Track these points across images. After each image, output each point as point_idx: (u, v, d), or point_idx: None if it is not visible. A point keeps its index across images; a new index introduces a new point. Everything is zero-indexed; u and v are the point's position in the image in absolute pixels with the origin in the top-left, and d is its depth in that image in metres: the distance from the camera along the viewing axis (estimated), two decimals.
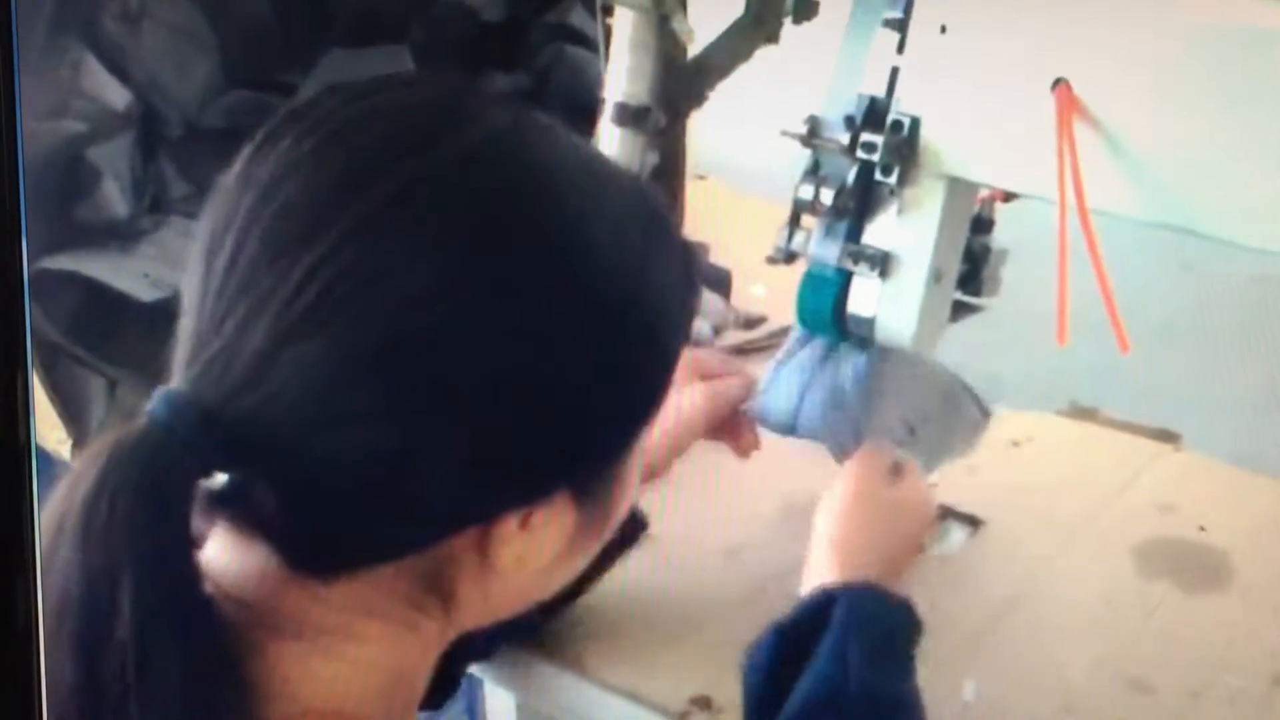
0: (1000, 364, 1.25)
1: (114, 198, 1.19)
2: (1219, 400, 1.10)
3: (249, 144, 0.57)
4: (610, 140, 0.91)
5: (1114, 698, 0.86)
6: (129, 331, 1.17)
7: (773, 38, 0.92)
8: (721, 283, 1.28)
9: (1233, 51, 0.71)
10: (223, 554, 0.57)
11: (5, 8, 0.46)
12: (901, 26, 0.83)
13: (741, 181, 1.38)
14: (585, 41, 1.47)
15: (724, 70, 0.92)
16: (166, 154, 1.29)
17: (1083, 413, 1.20)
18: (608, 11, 0.91)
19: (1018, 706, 0.85)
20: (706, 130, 1.19)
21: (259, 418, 0.52)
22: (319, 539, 0.55)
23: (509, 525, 0.56)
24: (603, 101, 0.93)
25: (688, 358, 0.89)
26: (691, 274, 0.61)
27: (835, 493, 0.83)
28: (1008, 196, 0.92)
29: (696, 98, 0.93)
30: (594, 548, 0.63)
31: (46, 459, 1.21)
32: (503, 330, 0.53)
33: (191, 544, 0.53)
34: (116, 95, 1.21)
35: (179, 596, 0.52)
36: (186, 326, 0.54)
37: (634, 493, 0.64)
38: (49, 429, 1.15)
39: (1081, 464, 1.13)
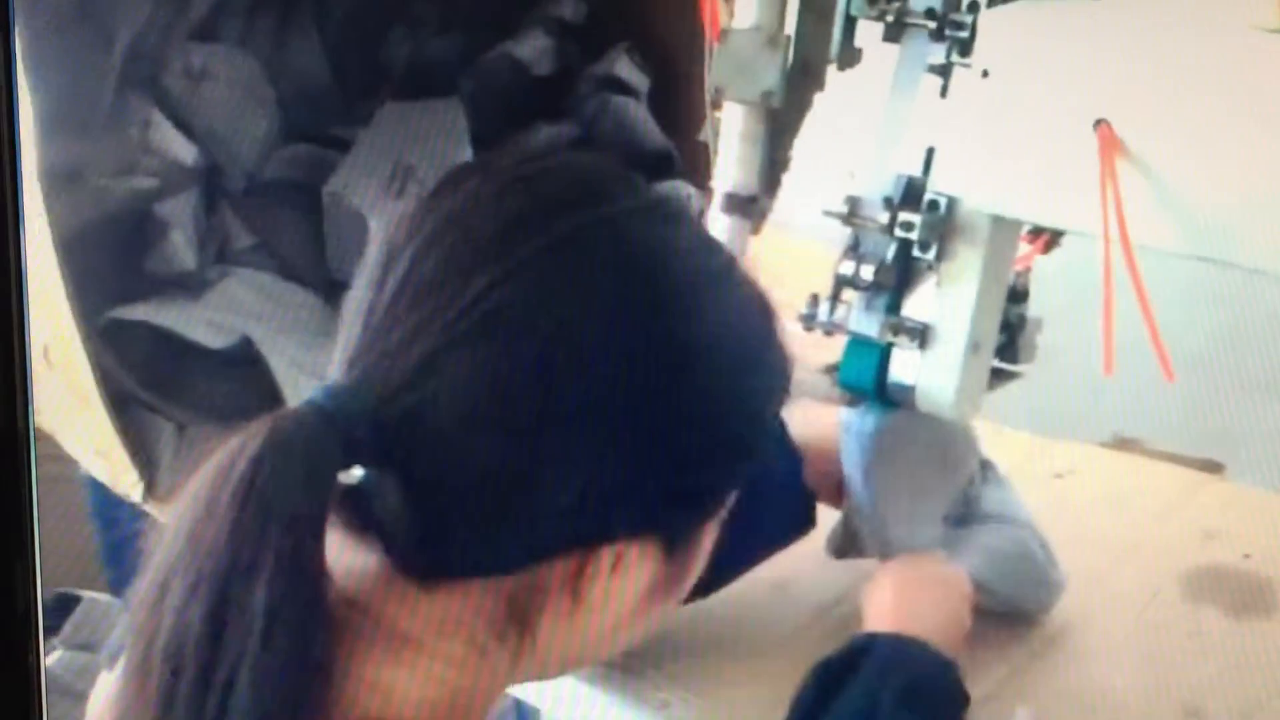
0: (1043, 397, 1.28)
1: (181, 249, 1.24)
2: (1261, 430, 1.12)
3: (438, 180, 0.64)
4: (718, 227, 0.97)
5: None
6: (198, 377, 1.21)
7: (821, 84, 0.96)
8: None
9: (1266, 86, 0.74)
10: (333, 550, 0.60)
11: (5, 10, 0.48)
12: (945, 72, 0.87)
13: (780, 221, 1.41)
14: (630, 91, 1.51)
15: (797, 127, 0.98)
16: (229, 206, 1.33)
17: (1125, 444, 1.22)
18: (715, 105, 0.97)
19: None
20: None
21: (411, 419, 0.57)
22: (434, 542, 0.60)
23: (604, 561, 0.61)
24: (711, 190, 0.99)
25: None
26: (788, 376, 0.67)
27: (882, 574, 0.88)
28: (1050, 245, 0.95)
29: (785, 166, 0.98)
30: (664, 608, 0.67)
31: (121, 503, 1.25)
32: (636, 372, 0.59)
33: (324, 529, 0.57)
34: (184, 151, 1.25)
35: (309, 577, 0.56)
36: (352, 330, 0.60)
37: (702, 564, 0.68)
38: (122, 473, 1.19)
39: (1125, 494, 1.15)
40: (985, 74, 0.82)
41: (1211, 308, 0.97)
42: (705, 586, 0.87)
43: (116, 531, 1.78)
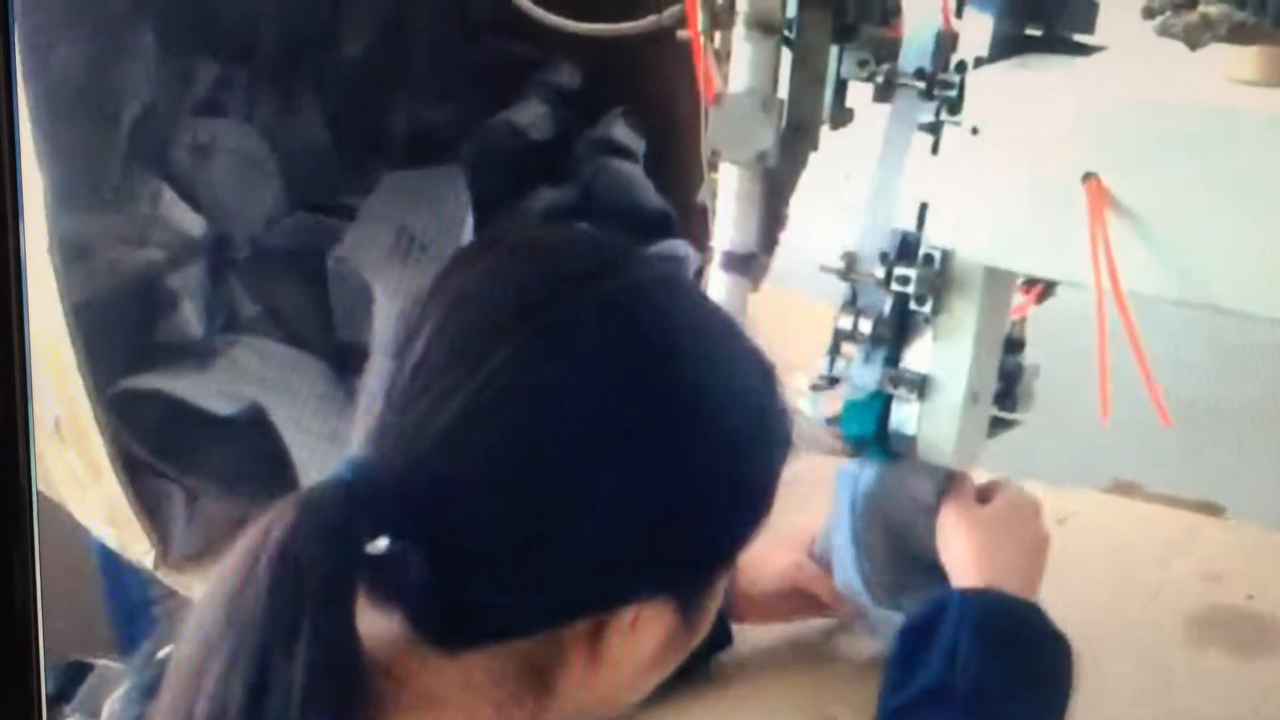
0: (1043, 445, 1.30)
1: (191, 319, 1.25)
2: (1257, 470, 1.13)
3: (443, 264, 0.65)
4: (717, 286, 0.99)
5: None
6: (209, 444, 1.22)
7: (814, 144, 0.98)
8: None
9: (1243, 137, 0.76)
10: (361, 617, 0.61)
11: (4, 12, 0.48)
12: (935, 129, 0.89)
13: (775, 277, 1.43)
14: (626, 154, 1.53)
15: (793, 186, 1.00)
16: (235, 276, 1.35)
17: (1125, 488, 1.24)
18: (712, 167, 1.00)
19: None
20: None
21: (430, 490, 0.59)
22: (456, 612, 0.61)
23: (622, 621, 0.62)
24: (710, 249, 1.01)
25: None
26: (789, 437, 0.68)
27: (944, 533, 0.92)
28: (1043, 295, 0.97)
29: (781, 223, 1.00)
30: (682, 655, 0.68)
31: (134, 570, 1.25)
32: (649, 444, 0.61)
33: (355, 599, 0.58)
34: (193, 223, 1.27)
35: (345, 644, 0.57)
36: (374, 405, 0.61)
37: (717, 611, 0.70)
38: (136, 541, 1.20)
39: (1127, 537, 1.16)
40: (975, 131, 0.84)
41: (1203, 352, 0.99)
42: None
43: (126, 598, 1.78)
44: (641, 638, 0.63)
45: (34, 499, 0.51)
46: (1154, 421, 0.83)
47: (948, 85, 0.87)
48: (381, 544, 0.60)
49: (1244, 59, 0.79)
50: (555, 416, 0.59)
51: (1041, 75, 0.87)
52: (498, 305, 0.61)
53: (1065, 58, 0.89)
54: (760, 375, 0.67)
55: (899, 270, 0.88)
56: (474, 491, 0.59)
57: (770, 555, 1.01)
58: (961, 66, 0.87)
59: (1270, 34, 0.76)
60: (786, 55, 0.98)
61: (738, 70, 0.98)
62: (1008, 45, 0.90)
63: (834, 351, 0.93)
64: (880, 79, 0.91)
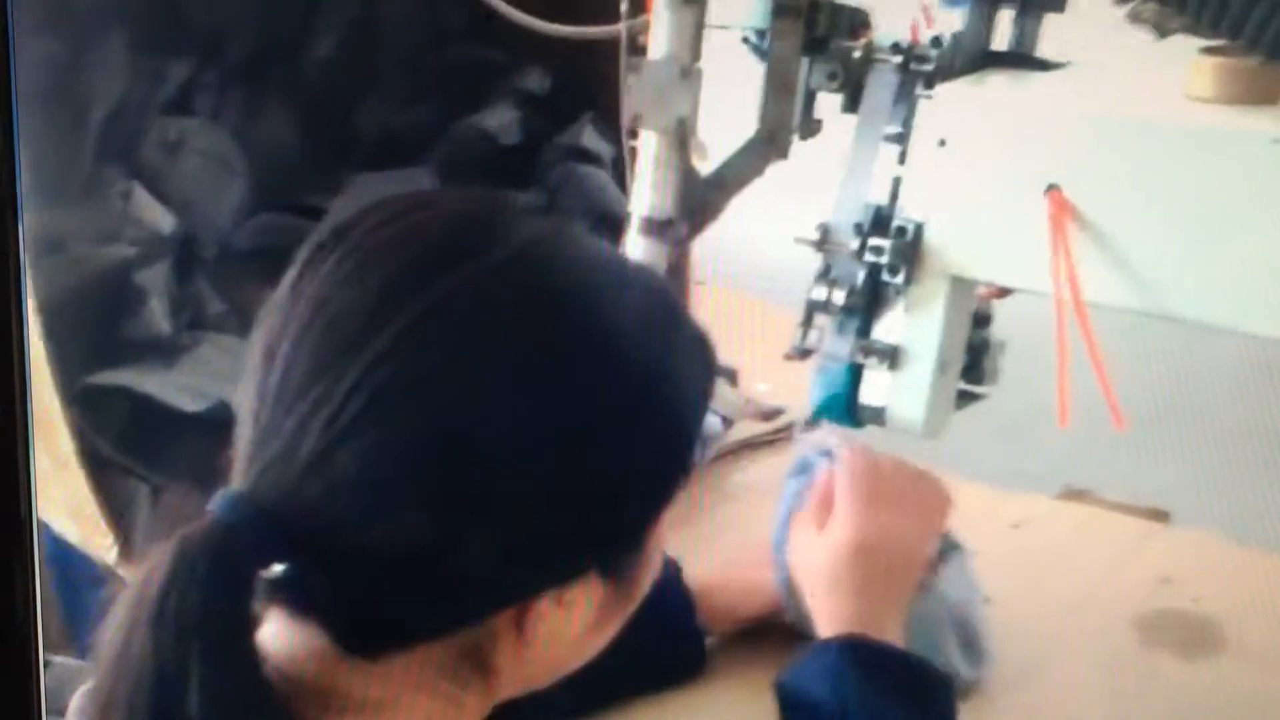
0: (997, 451, 1.33)
1: (159, 316, 1.26)
2: (1202, 479, 1.17)
3: (296, 262, 0.61)
4: (635, 251, 0.99)
5: None
6: (173, 441, 1.22)
7: (783, 153, 1.00)
8: (729, 379, 1.36)
9: (1198, 153, 0.79)
10: (277, 637, 0.60)
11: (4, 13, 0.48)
12: (901, 140, 0.92)
13: (740, 284, 1.45)
14: (594, 159, 1.55)
15: (741, 184, 1.00)
16: (203, 274, 1.36)
17: (1077, 495, 1.27)
18: (632, 134, 0.99)
19: None
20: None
21: (314, 513, 0.56)
22: (369, 621, 0.59)
23: (545, 603, 0.61)
24: (629, 214, 1.00)
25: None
26: (709, 362, 0.66)
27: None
28: (1003, 293, 1.00)
29: (714, 211, 1.01)
30: (621, 619, 0.67)
31: (91, 562, 1.25)
32: (539, 425, 0.57)
33: (253, 630, 0.57)
34: (163, 220, 1.28)
35: (244, 679, 0.56)
36: (244, 433, 0.59)
37: (656, 571, 0.68)
38: (98, 536, 1.20)
39: (1079, 543, 1.19)
40: (942, 143, 0.87)
41: (1154, 362, 1.02)
42: (580, 710, 0.91)
43: (77, 596, 1.78)
44: (572, 614, 0.62)
45: (34, 503, 0.51)
46: (1105, 431, 0.86)
47: (924, 59, 0.89)
48: (277, 569, 0.58)
49: (1202, 77, 0.82)
50: (424, 423, 0.56)
51: (1007, 90, 0.89)
52: (346, 315, 0.57)
53: (1029, 73, 0.92)
54: (663, 307, 0.64)
55: (873, 241, 0.89)
56: (356, 511, 0.56)
57: (742, 575, 1.02)
58: (938, 41, 0.89)
59: (1233, 50, 0.79)
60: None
61: (657, 38, 0.98)
62: (973, 61, 0.93)
63: (806, 323, 0.94)
64: (858, 54, 0.92)
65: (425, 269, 0.58)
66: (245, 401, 0.59)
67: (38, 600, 0.52)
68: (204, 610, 0.54)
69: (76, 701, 0.72)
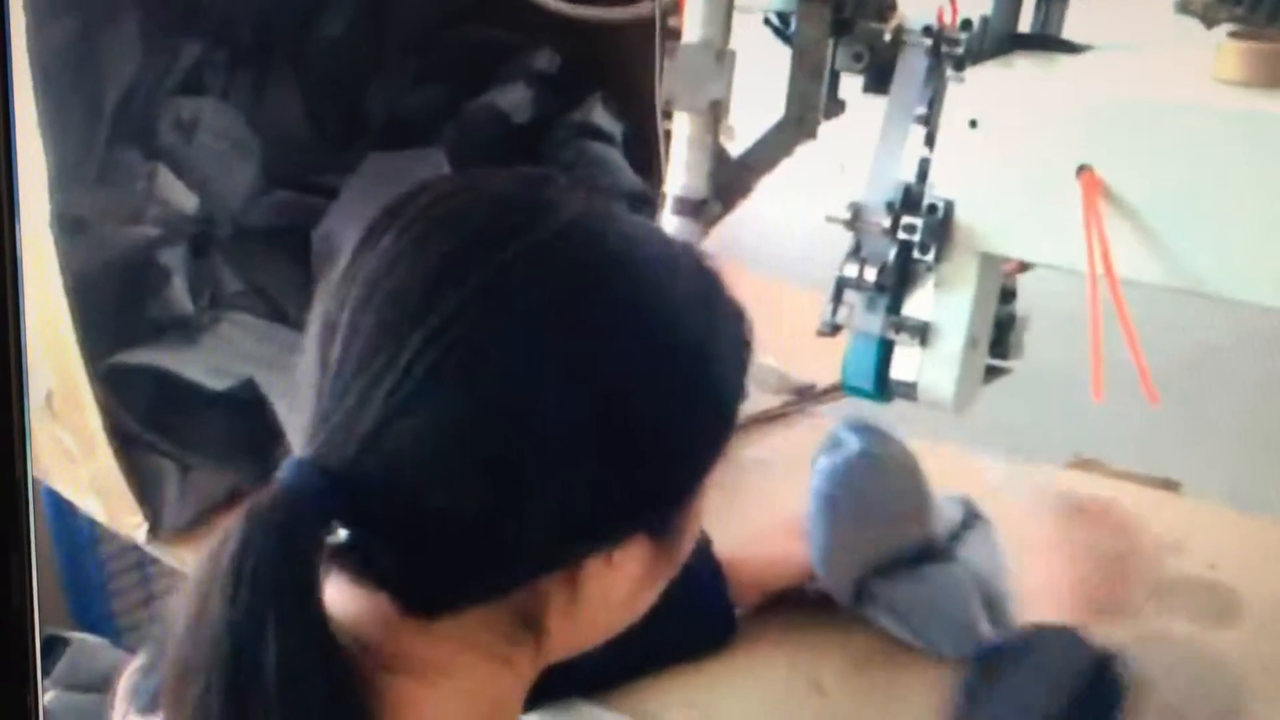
0: (1013, 421, 1.35)
1: (181, 295, 1.26)
2: (1211, 450, 1.20)
3: (355, 241, 0.64)
4: (669, 230, 1.01)
5: None
6: (200, 418, 1.23)
7: (812, 134, 1.02)
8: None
9: (1225, 134, 0.81)
10: (340, 599, 0.62)
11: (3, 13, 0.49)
12: (928, 122, 0.94)
13: (753, 264, 1.47)
14: (605, 137, 1.56)
15: (770, 165, 1.02)
16: (219, 253, 1.36)
17: (1087, 464, 1.29)
18: (667, 115, 1.02)
19: None
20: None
21: (376, 480, 0.59)
22: (428, 584, 0.62)
23: (596, 563, 0.63)
24: (663, 194, 1.02)
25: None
26: (746, 332, 0.68)
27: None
28: (1024, 267, 1.02)
29: (744, 191, 1.03)
30: (665, 580, 0.70)
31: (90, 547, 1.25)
32: (593, 390, 0.60)
33: (320, 592, 0.59)
34: (187, 200, 1.28)
35: (315, 640, 0.58)
36: (307, 403, 0.61)
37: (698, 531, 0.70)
38: (126, 514, 1.21)
39: None
40: (973, 124, 0.89)
41: (1167, 336, 1.05)
42: (614, 680, 0.96)
43: (82, 575, 1.79)
44: (620, 575, 0.65)
45: (29, 485, 0.52)
46: (1115, 401, 0.88)
47: (954, 42, 0.90)
48: (342, 534, 0.60)
49: (1230, 60, 0.84)
50: (483, 393, 0.59)
51: (1036, 73, 0.91)
52: (405, 289, 0.60)
53: (1056, 56, 0.94)
54: (705, 277, 0.66)
55: (905, 219, 0.91)
56: (417, 478, 0.59)
57: (770, 547, 1.05)
58: (968, 24, 0.91)
59: (1260, 34, 0.81)
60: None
61: (691, 23, 1.01)
62: (1000, 44, 0.95)
63: (836, 299, 0.96)
64: (887, 36, 0.94)
65: (479, 244, 0.60)
66: (306, 374, 0.62)
67: (33, 577, 0.53)
68: (276, 573, 0.57)
69: (128, 680, 0.73)
